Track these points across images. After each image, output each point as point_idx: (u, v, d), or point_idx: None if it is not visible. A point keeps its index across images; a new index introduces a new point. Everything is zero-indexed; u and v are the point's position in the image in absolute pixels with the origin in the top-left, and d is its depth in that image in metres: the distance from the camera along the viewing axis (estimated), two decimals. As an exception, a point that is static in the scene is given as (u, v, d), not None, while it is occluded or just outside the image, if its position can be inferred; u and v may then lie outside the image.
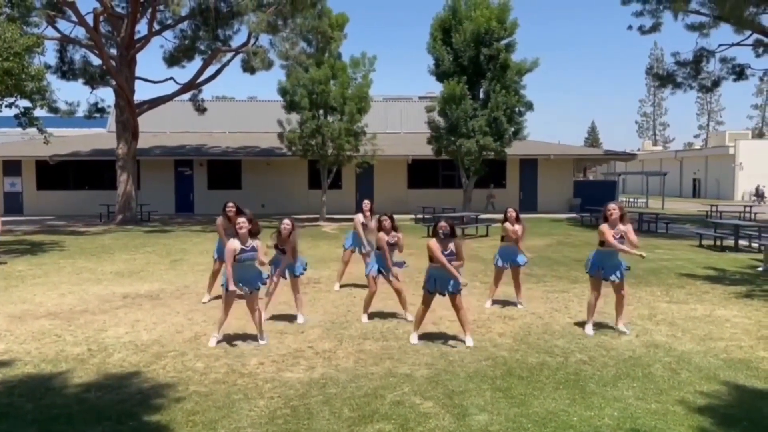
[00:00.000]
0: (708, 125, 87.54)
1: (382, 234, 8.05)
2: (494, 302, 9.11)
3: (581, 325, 7.77)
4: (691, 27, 25.42)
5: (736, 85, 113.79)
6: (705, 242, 16.92)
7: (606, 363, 6.29)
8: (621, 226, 7.32)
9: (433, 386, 5.61)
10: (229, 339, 7.13)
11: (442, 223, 6.84)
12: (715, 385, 5.67)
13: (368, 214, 10.36)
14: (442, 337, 7.25)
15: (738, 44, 25.72)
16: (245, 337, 7.23)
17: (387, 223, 8.09)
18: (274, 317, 8.20)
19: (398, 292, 8.18)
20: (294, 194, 29.15)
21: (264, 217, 20.37)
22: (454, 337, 7.18)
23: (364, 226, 10.29)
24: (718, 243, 16.50)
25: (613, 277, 7.37)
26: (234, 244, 6.79)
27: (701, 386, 5.62)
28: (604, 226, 7.31)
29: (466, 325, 7.05)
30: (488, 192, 29.27)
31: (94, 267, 12.90)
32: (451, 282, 6.78)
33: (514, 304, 9.07)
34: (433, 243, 6.78)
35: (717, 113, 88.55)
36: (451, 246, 6.78)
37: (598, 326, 7.63)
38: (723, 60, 26.93)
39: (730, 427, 4.73)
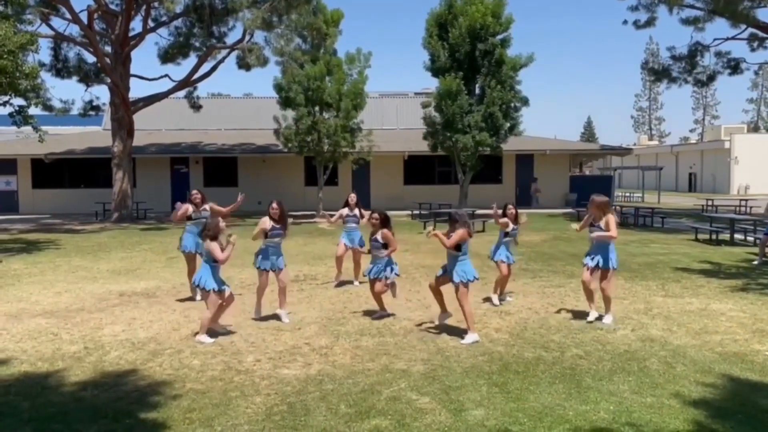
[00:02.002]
0: (704, 119, 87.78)
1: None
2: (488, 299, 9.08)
3: (577, 318, 7.81)
4: (686, 21, 25.42)
5: (731, 79, 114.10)
6: (701, 236, 16.97)
7: (602, 357, 6.31)
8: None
9: (430, 382, 5.62)
10: (226, 336, 7.13)
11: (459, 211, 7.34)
12: (711, 378, 5.69)
13: (352, 205, 10.48)
14: (438, 333, 7.26)
15: (733, 38, 25.77)
16: (241, 334, 7.24)
17: (374, 221, 8.06)
18: (269, 315, 8.18)
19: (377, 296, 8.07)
20: (290, 191, 29.07)
21: (260, 214, 20.35)
22: (451, 333, 7.19)
23: (347, 217, 10.41)
24: (714, 237, 16.54)
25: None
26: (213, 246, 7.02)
27: (696, 380, 5.64)
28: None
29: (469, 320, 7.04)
30: (534, 187, 29.32)
31: (90, 265, 12.88)
32: (455, 271, 6.92)
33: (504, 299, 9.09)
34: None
35: (712, 107, 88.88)
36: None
37: (581, 315, 7.66)
38: (718, 54, 26.97)
39: (725, 420, 4.76)
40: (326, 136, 23.45)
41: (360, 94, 23.88)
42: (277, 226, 7.88)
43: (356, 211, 10.43)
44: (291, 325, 7.68)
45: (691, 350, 6.54)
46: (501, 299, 8.97)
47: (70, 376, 5.85)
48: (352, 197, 10.57)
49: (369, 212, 10.11)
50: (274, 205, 7.90)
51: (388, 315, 8.08)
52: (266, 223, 7.87)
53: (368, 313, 8.23)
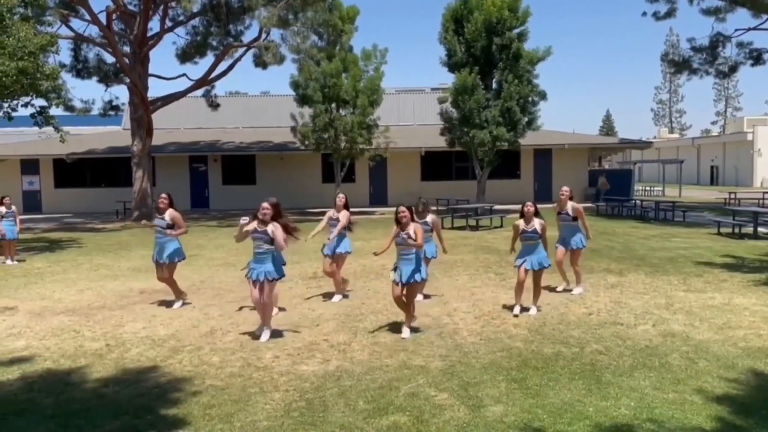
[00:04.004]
0: (725, 111, 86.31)
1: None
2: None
3: (596, 313, 7.74)
4: (707, 12, 25.03)
5: (753, 70, 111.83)
6: (723, 230, 16.72)
7: (622, 353, 6.24)
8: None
9: (448, 378, 5.61)
10: (245, 333, 7.16)
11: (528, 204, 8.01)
12: (734, 374, 5.60)
13: (340, 206, 8.99)
14: (456, 329, 7.24)
15: (755, 28, 25.27)
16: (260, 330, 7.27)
17: (402, 214, 6.94)
18: (289, 311, 8.21)
19: (408, 301, 7.08)
20: (308, 188, 29.19)
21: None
22: (470, 329, 7.16)
23: (330, 220, 8.99)
24: (737, 230, 16.29)
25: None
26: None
27: (720, 375, 5.55)
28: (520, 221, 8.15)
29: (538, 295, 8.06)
30: (601, 180, 29.01)
31: (112, 263, 13.03)
32: (535, 258, 7.88)
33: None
34: (519, 222, 8.06)
35: (734, 99, 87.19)
36: (534, 224, 7.93)
37: (601, 311, 7.59)
38: (740, 45, 26.47)
39: (749, 416, 4.68)
40: (343, 132, 23.48)
41: (376, 90, 23.87)
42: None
43: (340, 214, 8.89)
44: (309, 322, 7.71)
45: (713, 345, 6.44)
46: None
47: (92, 373, 5.93)
48: (341, 197, 9.03)
49: (348, 215, 8.82)
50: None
51: (418, 330, 7.17)
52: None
53: (386, 310, 8.21)
